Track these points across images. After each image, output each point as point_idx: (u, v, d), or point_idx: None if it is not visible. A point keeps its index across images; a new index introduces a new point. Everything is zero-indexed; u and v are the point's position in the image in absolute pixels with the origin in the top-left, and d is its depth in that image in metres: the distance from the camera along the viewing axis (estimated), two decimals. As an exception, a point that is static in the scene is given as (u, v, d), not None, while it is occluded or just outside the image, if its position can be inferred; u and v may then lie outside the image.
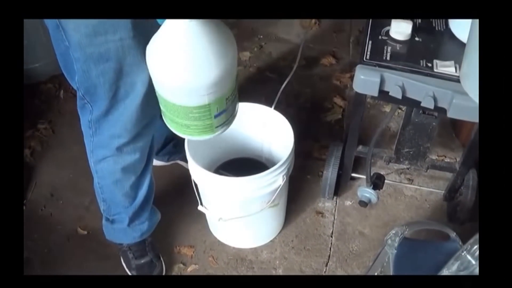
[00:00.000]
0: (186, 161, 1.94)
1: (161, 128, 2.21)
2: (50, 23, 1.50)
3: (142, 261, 2.10)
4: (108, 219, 2.02)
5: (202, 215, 2.11)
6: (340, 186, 2.33)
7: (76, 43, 1.48)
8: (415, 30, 1.61)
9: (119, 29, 1.46)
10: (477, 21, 1.22)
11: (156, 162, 2.40)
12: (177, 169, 2.42)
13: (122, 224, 2.00)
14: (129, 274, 2.13)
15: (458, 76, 1.46)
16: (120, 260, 2.15)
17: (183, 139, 1.88)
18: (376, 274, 1.65)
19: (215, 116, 1.39)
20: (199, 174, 1.87)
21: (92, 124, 1.72)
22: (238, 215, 1.95)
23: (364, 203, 2.07)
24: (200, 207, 2.00)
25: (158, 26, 1.37)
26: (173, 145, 2.33)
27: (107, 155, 1.79)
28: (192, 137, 1.46)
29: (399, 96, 1.49)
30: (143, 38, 1.48)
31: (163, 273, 2.12)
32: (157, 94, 1.41)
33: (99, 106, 1.65)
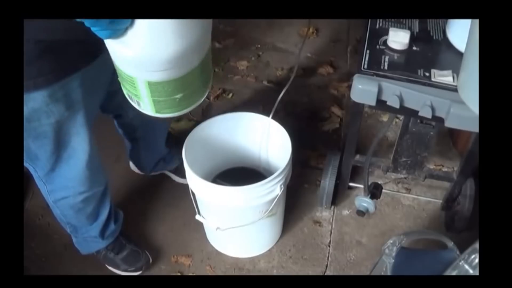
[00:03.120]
0: (174, 172, 1.94)
1: (151, 156, 2.26)
2: None
3: (125, 253, 2.13)
4: (78, 237, 2.06)
5: (199, 225, 2.11)
6: (338, 195, 2.33)
7: None
8: (412, 40, 1.61)
9: (53, 115, 1.47)
10: (475, 30, 1.22)
11: (146, 173, 2.47)
12: (176, 181, 2.43)
13: (94, 238, 2.05)
14: (120, 273, 2.14)
15: (456, 86, 1.46)
16: (105, 266, 2.17)
17: (172, 155, 1.88)
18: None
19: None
20: (196, 183, 1.87)
21: (41, 178, 1.75)
22: (236, 225, 1.95)
23: (361, 213, 2.06)
24: (197, 217, 2.00)
25: (95, 99, 1.46)
26: (163, 161, 2.37)
27: (65, 196, 1.83)
28: (189, 107, 1.34)
29: (397, 106, 1.49)
30: (81, 112, 1.53)
31: (150, 260, 2.15)
32: (151, 84, 1.24)
33: (42, 168, 1.69)
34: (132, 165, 2.47)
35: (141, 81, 1.20)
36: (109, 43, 1.14)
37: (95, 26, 1.05)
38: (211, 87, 1.42)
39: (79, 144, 1.63)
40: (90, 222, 1.97)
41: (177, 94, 1.25)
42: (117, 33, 1.07)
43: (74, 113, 1.52)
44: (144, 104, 1.29)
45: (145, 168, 2.41)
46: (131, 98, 1.31)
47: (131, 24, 1.06)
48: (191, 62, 1.21)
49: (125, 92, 1.31)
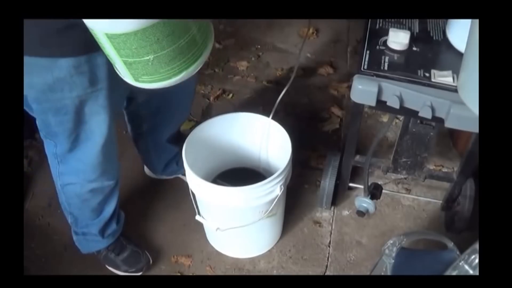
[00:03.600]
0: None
1: (162, 153, 2.25)
2: None
3: (126, 254, 2.12)
4: (78, 233, 2.05)
5: (199, 225, 2.11)
6: (338, 196, 2.33)
7: (33, 98, 1.52)
8: (412, 40, 1.61)
9: (75, 88, 1.48)
10: (475, 30, 1.22)
11: (159, 176, 2.45)
12: (176, 181, 2.42)
13: (94, 236, 2.04)
14: (120, 273, 2.14)
15: (456, 86, 1.46)
16: (105, 267, 2.16)
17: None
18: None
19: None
20: (196, 184, 1.87)
21: (57, 156, 1.76)
22: (236, 225, 1.95)
23: (361, 213, 2.06)
24: (197, 217, 2.00)
25: (118, 85, 1.43)
26: (176, 163, 2.34)
27: (74, 182, 1.84)
28: (173, 77, 1.28)
29: (397, 106, 1.49)
30: (103, 92, 1.54)
31: (150, 261, 2.14)
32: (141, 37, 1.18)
33: (62, 145, 1.69)
34: (146, 169, 2.47)
35: (100, 35, 1.18)
36: None
37: None
38: (207, 59, 1.34)
39: (97, 126, 1.63)
40: (93, 217, 1.97)
41: (146, 55, 1.20)
42: None
43: (97, 91, 1.53)
44: (120, 68, 1.28)
45: (156, 169, 2.40)
46: (113, 65, 1.32)
47: None
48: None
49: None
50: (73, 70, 1.44)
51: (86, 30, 1.27)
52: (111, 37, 1.17)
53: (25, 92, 1.49)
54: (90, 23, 1.18)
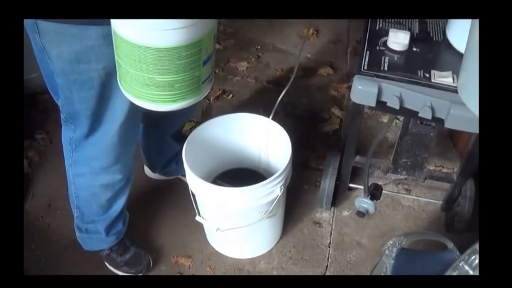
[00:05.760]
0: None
1: (164, 149, 2.24)
2: (35, 45, 1.51)
3: (128, 256, 2.12)
4: (82, 229, 2.04)
5: (199, 226, 2.11)
6: (338, 196, 2.33)
7: (60, 69, 1.50)
8: (412, 41, 1.61)
9: (103, 59, 1.47)
10: (475, 31, 1.23)
11: (158, 177, 2.44)
12: (176, 181, 2.42)
13: (98, 234, 2.03)
14: (119, 273, 2.14)
15: (456, 87, 1.46)
16: (105, 266, 2.16)
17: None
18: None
19: (204, 63, 1.29)
20: (196, 184, 1.87)
21: (73, 141, 1.75)
22: (236, 226, 1.95)
23: (361, 214, 2.06)
24: (197, 218, 2.00)
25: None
26: (175, 163, 2.33)
27: (86, 172, 1.83)
28: (177, 103, 1.33)
29: (397, 107, 1.49)
30: None
31: (151, 263, 2.14)
32: (132, 54, 1.24)
33: (81, 128, 1.68)
34: (146, 170, 2.47)
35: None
36: None
37: None
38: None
39: (120, 103, 1.60)
40: (100, 213, 1.95)
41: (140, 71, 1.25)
42: None
43: None
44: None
45: (155, 166, 2.39)
46: None
47: None
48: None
49: None
50: (101, 39, 1.42)
51: None
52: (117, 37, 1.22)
53: (53, 65, 1.49)
54: (162, 39, 1.18)
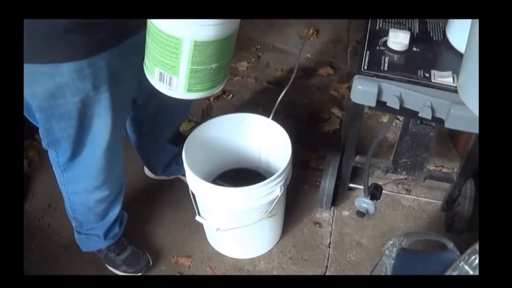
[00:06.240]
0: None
1: (162, 154, 2.25)
2: None
3: (126, 255, 2.13)
4: (81, 233, 2.06)
5: (199, 226, 2.11)
6: (338, 196, 2.33)
7: (36, 107, 1.51)
8: (412, 41, 1.61)
9: (78, 92, 1.47)
10: (475, 31, 1.23)
11: (159, 177, 2.46)
12: (176, 181, 2.42)
13: (96, 237, 2.05)
14: (119, 273, 2.14)
15: (456, 87, 1.46)
16: (105, 267, 2.17)
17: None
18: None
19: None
20: (196, 184, 1.87)
21: (60, 164, 1.76)
22: (236, 226, 1.95)
23: (361, 214, 2.06)
24: (197, 218, 2.00)
25: (121, 88, 1.50)
26: (176, 163, 2.33)
27: (79, 190, 1.85)
28: (202, 92, 1.39)
29: (397, 107, 1.49)
30: (107, 95, 1.52)
31: (150, 262, 2.15)
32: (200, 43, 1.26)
33: (63, 154, 1.69)
34: (146, 170, 2.48)
35: (187, 42, 1.23)
36: None
37: None
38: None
39: (100, 130, 1.61)
40: (97, 221, 1.98)
41: (213, 62, 1.30)
42: None
43: (100, 94, 1.51)
44: (178, 78, 1.31)
45: (156, 170, 2.40)
46: (162, 78, 1.33)
47: None
48: (233, 24, 1.28)
49: (156, 72, 1.33)
50: (75, 74, 1.42)
51: (87, 33, 1.29)
52: (198, 44, 1.24)
53: (28, 102, 1.48)
54: (184, 29, 1.22)
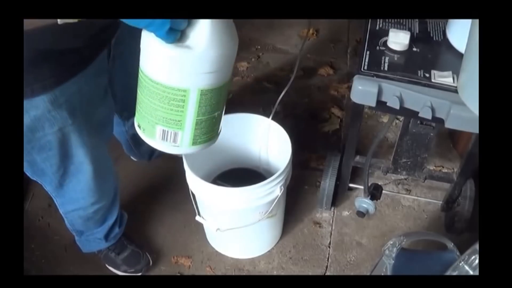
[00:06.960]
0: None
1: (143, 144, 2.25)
2: None
3: (126, 254, 2.14)
4: (81, 236, 2.07)
5: (199, 226, 2.11)
6: (338, 197, 2.33)
7: None
8: (412, 41, 1.61)
9: (56, 122, 1.44)
10: (475, 31, 1.22)
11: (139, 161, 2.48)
12: (175, 181, 2.41)
13: (97, 239, 2.06)
14: (119, 273, 2.15)
15: (456, 87, 1.46)
16: (105, 267, 2.17)
17: None
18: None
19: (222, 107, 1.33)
20: (196, 184, 1.87)
21: (51, 192, 1.76)
22: (236, 226, 1.95)
23: (361, 214, 2.06)
24: (197, 218, 2.00)
25: (96, 110, 1.50)
26: None
27: (75, 209, 1.86)
28: (205, 143, 1.32)
29: (397, 107, 1.49)
30: (83, 121, 1.51)
31: (150, 262, 2.16)
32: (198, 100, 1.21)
33: (50, 183, 1.69)
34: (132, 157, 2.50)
35: (193, 92, 1.18)
36: (168, 55, 1.12)
37: (160, 31, 1.05)
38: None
39: (85, 157, 1.61)
40: (97, 226, 1.99)
41: (216, 110, 1.26)
42: (177, 35, 1.09)
43: (78, 120, 1.49)
44: (184, 133, 1.24)
45: (143, 156, 2.43)
46: (165, 137, 1.25)
47: (190, 25, 1.10)
48: (229, 69, 1.26)
49: (157, 132, 1.24)
50: (50, 105, 1.39)
51: (54, 62, 1.31)
52: (204, 93, 1.20)
53: None
54: (190, 80, 1.17)
